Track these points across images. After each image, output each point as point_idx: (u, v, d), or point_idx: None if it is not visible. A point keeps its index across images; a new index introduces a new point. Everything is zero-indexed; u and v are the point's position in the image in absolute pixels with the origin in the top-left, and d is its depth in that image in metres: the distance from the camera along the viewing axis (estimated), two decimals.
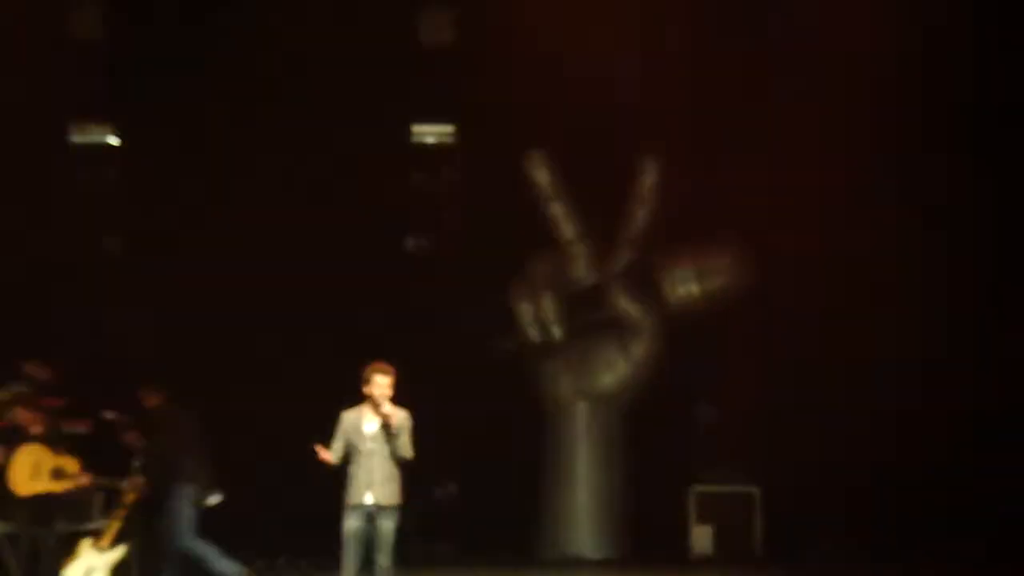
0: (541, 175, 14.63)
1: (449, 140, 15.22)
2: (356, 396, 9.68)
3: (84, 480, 11.62)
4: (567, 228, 14.67)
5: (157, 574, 11.56)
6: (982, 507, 13.58)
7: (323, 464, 9.63)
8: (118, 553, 11.23)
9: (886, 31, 13.69)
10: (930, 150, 13.92)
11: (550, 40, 13.57)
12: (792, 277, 13.98)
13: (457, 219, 15.23)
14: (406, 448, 9.65)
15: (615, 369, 14.66)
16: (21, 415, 11.54)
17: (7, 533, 11.49)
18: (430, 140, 15.25)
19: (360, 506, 9.57)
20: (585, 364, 14.70)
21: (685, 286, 14.51)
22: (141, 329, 14.04)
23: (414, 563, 11.67)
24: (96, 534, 11.26)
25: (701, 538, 14.44)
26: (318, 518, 10.56)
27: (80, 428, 12.23)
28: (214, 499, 11.54)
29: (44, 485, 11.41)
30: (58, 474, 11.48)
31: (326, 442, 9.66)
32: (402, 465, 9.68)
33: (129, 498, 11.27)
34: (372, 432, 9.63)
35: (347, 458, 9.66)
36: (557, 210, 14.65)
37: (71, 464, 11.62)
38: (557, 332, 14.66)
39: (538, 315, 14.64)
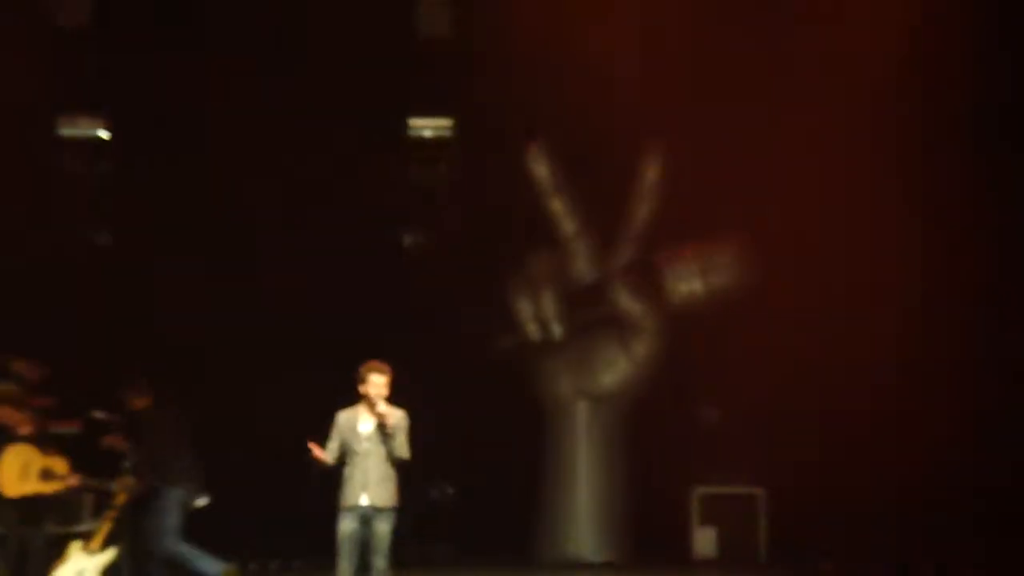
0: (540, 170, 14.58)
1: (447, 134, 15.12)
2: (352, 395, 9.64)
3: (73, 481, 11.54)
4: (567, 224, 14.63)
5: None
6: (985, 508, 13.62)
7: (317, 463, 9.56)
8: (108, 556, 11.18)
9: (888, 28, 13.70)
10: (932, 148, 13.95)
11: (549, 33, 13.47)
12: (796, 276, 13.96)
13: (455, 215, 15.13)
14: (402, 448, 9.62)
15: (616, 368, 14.63)
16: (9, 415, 11.46)
17: None
18: (428, 134, 15.15)
19: (355, 508, 9.55)
20: (585, 363, 14.67)
21: (688, 283, 14.49)
22: (132, 327, 14.01)
23: (411, 565, 11.67)
24: (86, 536, 11.20)
25: (704, 540, 14.46)
26: (312, 520, 10.51)
27: (70, 428, 12.21)
28: (201, 501, 11.55)
29: (33, 486, 11.34)
30: (47, 475, 11.42)
31: (322, 443, 9.61)
32: (398, 466, 9.64)
33: (119, 499, 11.24)
34: (368, 432, 9.61)
35: (343, 459, 9.63)
36: (557, 206, 14.60)
37: (60, 465, 11.55)
38: (557, 330, 14.62)
39: (538, 313, 14.60)
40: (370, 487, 9.52)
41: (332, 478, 9.63)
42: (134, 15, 14.30)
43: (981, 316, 14.14)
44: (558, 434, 14.67)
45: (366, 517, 9.53)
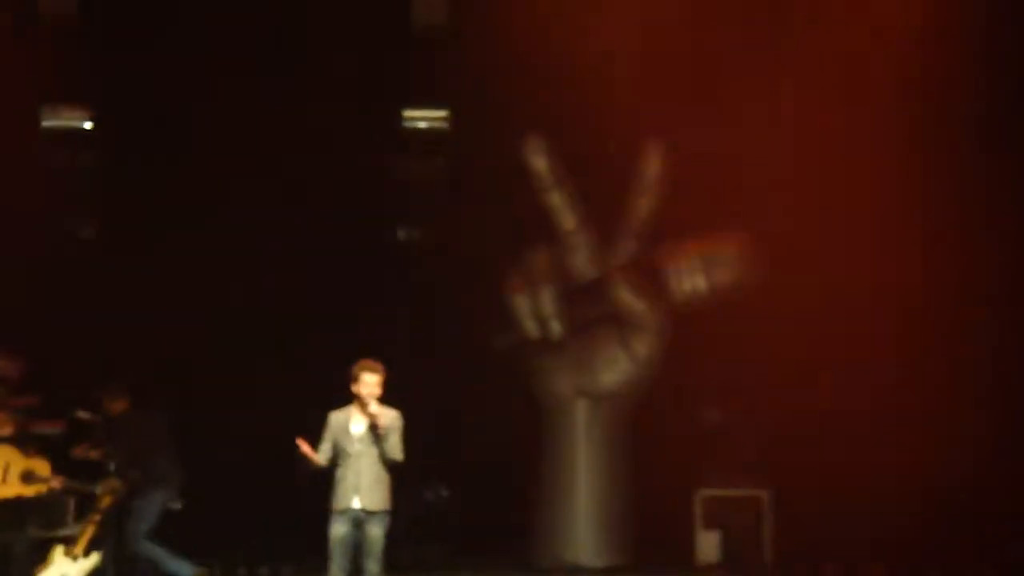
0: (539, 162, 14.37)
1: (443, 125, 15.06)
2: (345, 395, 9.60)
3: (56, 483, 11.46)
4: (567, 219, 14.42)
5: None
6: (988, 508, 13.67)
7: (306, 461, 9.49)
8: (92, 561, 11.04)
9: (889, 28, 13.72)
10: (934, 147, 13.94)
11: (549, 20, 13.39)
12: (797, 276, 13.88)
13: (451, 208, 15.02)
14: (395, 450, 9.55)
15: (617, 367, 14.43)
16: None
17: None
18: (422, 126, 15.09)
19: (347, 511, 9.50)
20: (585, 361, 14.48)
21: (691, 280, 14.30)
22: (117, 324, 13.89)
23: (405, 568, 11.69)
24: (69, 540, 11.08)
25: (707, 544, 14.35)
26: (303, 523, 10.48)
27: (53, 429, 12.13)
28: (175, 504, 11.53)
29: (14, 489, 11.32)
30: (29, 477, 11.38)
31: (313, 443, 9.55)
32: (392, 467, 9.58)
33: (104, 503, 11.13)
34: (360, 433, 9.55)
35: (335, 460, 9.58)
36: (556, 200, 14.40)
37: (42, 466, 11.48)
38: (556, 327, 14.41)
39: (536, 310, 14.39)
40: (362, 490, 9.44)
41: (324, 480, 9.57)
42: (121, 6, 14.20)
43: (982, 316, 14.15)
44: (557, 434, 14.51)
45: (358, 520, 9.46)
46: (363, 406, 9.47)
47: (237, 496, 13.09)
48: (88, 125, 14.68)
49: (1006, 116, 14.01)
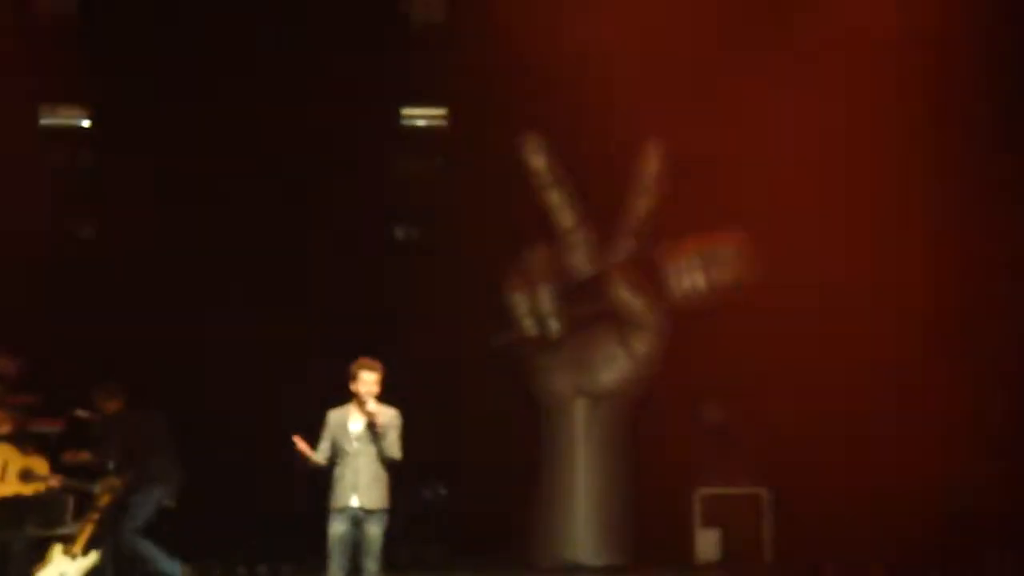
0: (538, 160, 14.42)
1: (441, 124, 15.12)
2: (344, 393, 9.57)
3: (55, 482, 11.40)
4: (565, 216, 14.45)
5: None
6: (988, 508, 13.54)
7: (303, 458, 9.46)
8: (91, 559, 10.98)
9: (889, 27, 13.71)
10: (935, 146, 13.95)
11: (547, 18, 13.40)
12: (797, 274, 13.88)
13: (449, 207, 14.95)
14: (393, 448, 9.52)
15: (616, 365, 14.46)
16: None
17: None
18: (421, 123, 15.14)
19: (346, 509, 9.46)
20: (584, 360, 14.50)
21: (691, 278, 14.33)
22: (116, 323, 13.84)
23: (403, 567, 11.65)
24: (68, 539, 11.03)
25: (706, 543, 14.33)
26: (302, 522, 10.47)
27: (52, 427, 12.12)
28: (169, 502, 11.45)
29: (13, 487, 11.26)
30: (27, 476, 11.32)
31: (311, 441, 9.51)
32: (390, 466, 9.54)
33: (102, 501, 11.08)
34: (358, 431, 9.51)
35: (334, 458, 9.54)
36: (555, 198, 14.44)
37: (41, 465, 11.42)
38: (555, 326, 14.46)
39: (535, 308, 14.45)
40: (360, 488, 9.41)
41: (322, 478, 9.52)
42: (121, 5, 14.24)
43: (983, 316, 14.10)
44: (556, 433, 14.51)
45: (357, 519, 9.43)
46: (361, 404, 9.43)
47: (236, 495, 13.10)
48: (87, 124, 14.74)
49: (1006, 116, 14.01)
